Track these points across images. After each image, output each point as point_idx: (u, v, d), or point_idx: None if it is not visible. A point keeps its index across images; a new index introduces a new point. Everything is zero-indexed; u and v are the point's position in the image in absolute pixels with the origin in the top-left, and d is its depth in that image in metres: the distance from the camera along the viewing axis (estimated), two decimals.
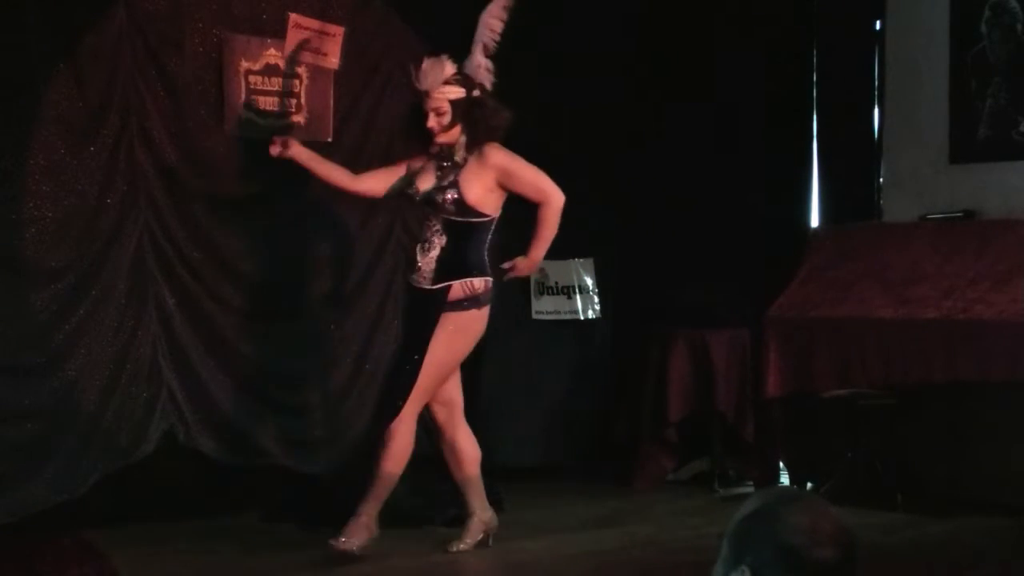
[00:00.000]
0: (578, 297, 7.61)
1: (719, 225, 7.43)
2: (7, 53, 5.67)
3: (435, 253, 5.54)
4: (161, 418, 6.10)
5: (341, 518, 6.08)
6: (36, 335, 5.79)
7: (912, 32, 7.22)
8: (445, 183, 5.55)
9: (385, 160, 6.92)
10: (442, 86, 5.51)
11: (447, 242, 5.55)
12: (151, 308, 6.12)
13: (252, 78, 6.35)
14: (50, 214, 5.82)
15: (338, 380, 6.76)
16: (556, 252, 7.51)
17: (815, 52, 7.62)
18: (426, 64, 5.54)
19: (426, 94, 5.53)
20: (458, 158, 5.57)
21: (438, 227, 5.56)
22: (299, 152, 5.74)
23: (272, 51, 6.39)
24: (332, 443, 6.65)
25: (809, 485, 6.99)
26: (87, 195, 5.93)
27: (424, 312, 5.57)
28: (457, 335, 5.60)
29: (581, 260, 7.63)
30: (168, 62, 6.13)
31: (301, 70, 6.48)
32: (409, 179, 5.71)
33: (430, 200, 5.58)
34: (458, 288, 5.54)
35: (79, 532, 5.25)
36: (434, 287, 5.53)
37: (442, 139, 5.56)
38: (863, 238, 7.13)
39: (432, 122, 5.53)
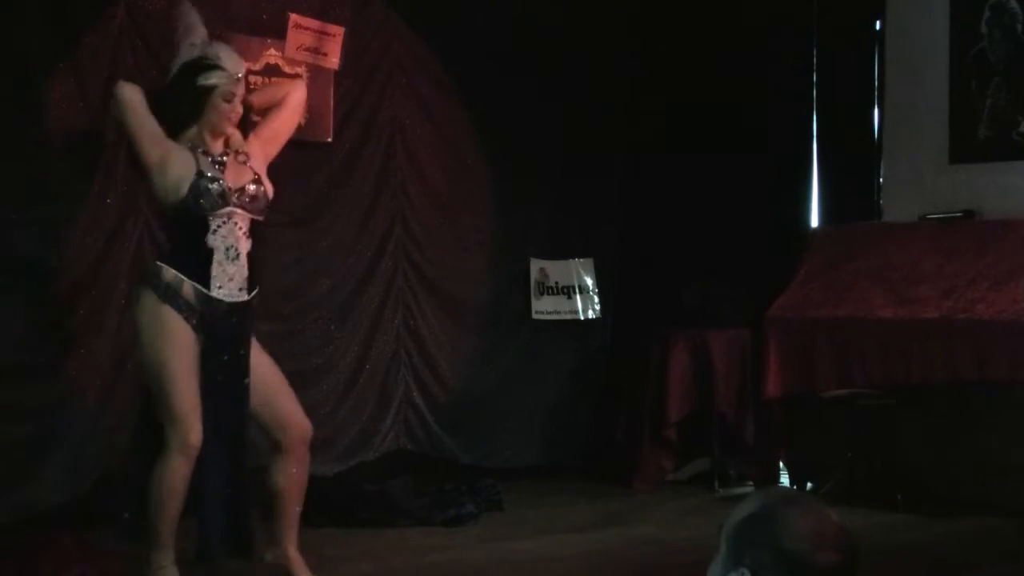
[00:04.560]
0: (578, 297, 7.61)
1: (719, 225, 7.43)
2: (7, 53, 5.67)
3: (244, 259, 4.78)
4: None
5: (341, 518, 6.10)
6: (36, 335, 5.79)
7: (912, 32, 7.21)
8: (250, 176, 4.85)
9: (385, 160, 6.95)
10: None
11: (251, 247, 4.83)
12: None
13: (252, 78, 6.34)
14: (50, 214, 5.83)
15: (338, 380, 6.76)
16: (556, 252, 7.56)
17: (815, 52, 7.62)
18: (226, 48, 4.88)
19: (235, 79, 4.79)
20: (235, 150, 4.85)
21: (244, 229, 4.79)
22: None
23: (272, 51, 6.39)
24: (332, 443, 6.66)
25: (809, 485, 6.99)
26: (87, 195, 5.93)
27: (241, 327, 4.82)
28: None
29: (581, 260, 7.64)
30: (168, 62, 6.12)
31: (301, 70, 6.48)
32: (198, 184, 4.72)
33: (242, 196, 4.79)
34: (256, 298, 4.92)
35: (79, 532, 5.26)
36: (249, 297, 4.82)
37: (231, 130, 4.83)
38: (863, 238, 7.13)
39: (239, 110, 4.82)
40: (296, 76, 6.32)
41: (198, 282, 4.72)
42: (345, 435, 6.76)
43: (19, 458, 5.70)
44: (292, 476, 4.93)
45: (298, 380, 6.56)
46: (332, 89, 6.61)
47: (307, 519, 6.16)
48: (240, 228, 4.79)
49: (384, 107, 6.92)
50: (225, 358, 4.77)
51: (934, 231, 6.89)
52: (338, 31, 6.51)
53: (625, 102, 7.65)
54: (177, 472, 4.69)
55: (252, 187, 4.82)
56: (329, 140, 6.66)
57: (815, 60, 7.63)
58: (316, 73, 6.52)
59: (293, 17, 6.35)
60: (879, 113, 7.42)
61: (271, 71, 6.41)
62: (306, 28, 6.42)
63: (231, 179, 4.78)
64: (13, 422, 5.70)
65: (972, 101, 6.96)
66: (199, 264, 4.73)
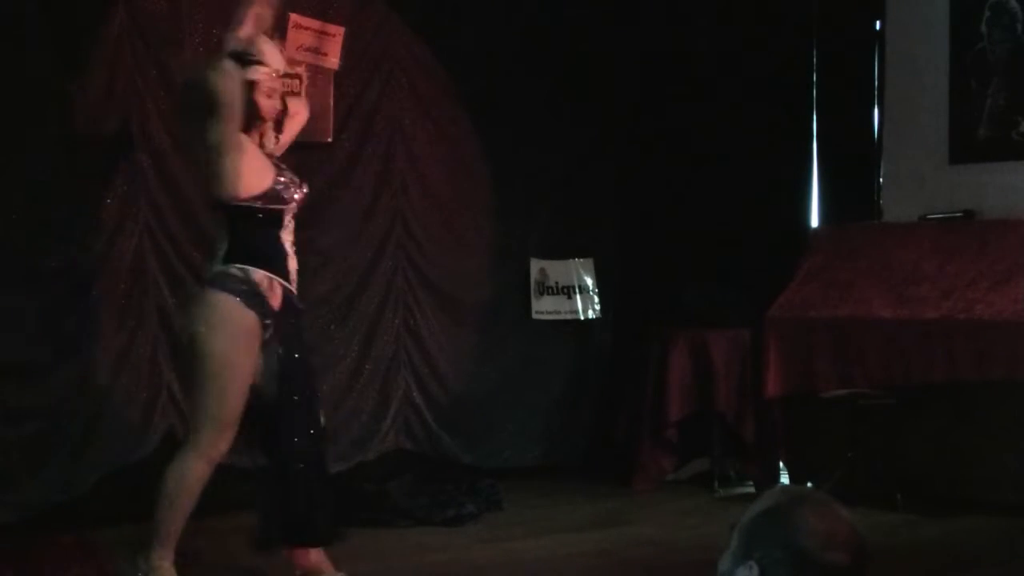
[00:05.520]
0: (578, 297, 7.61)
1: (719, 225, 7.43)
2: (7, 53, 5.67)
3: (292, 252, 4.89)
4: (161, 418, 6.11)
5: (340, 518, 6.09)
6: (36, 335, 5.79)
7: (912, 32, 7.21)
8: (290, 174, 4.87)
9: (385, 160, 6.95)
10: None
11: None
12: (151, 308, 6.13)
13: None
14: (50, 214, 5.82)
15: (338, 380, 6.76)
16: (556, 252, 7.56)
17: (815, 52, 7.62)
18: (269, 43, 4.86)
19: (276, 73, 4.84)
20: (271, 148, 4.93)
21: (292, 224, 4.87)
22: None
23: None
24: (332, 443, 6.65)
25: (809, 485, 6.98)
26: (87, 195, 5.93)
27: (298, 317, 4.94)
28: None
29: (581, 260, 7.63)
30: (168, 62, 6.13)
31: (301, 70, 6.48)
32: (278, 180, 4.83)
33: (298, 193, 4.87)
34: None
35: (79, 532, 5.26)
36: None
37: (266, 127, 4.89)
38: (863, 238, 7.13)
39: (276, 104, 4.88)
40: (296, 76, 6.30)
41: (287, 280, 4.77)
42: (345, 435, 6.75)
43: (19, 458, 5.70)
44: None
45: None
46: (332, 89, 6.60)
47: None
48: (292, 225, 4.85)
49: (384, 107, 6.91)
50: (293, 348, 4.80)
51: (934, 231, 6.89)
52: (338, 31, 6.50)
53: (625, 102, 7.64)
54: (197, 474, 4.72)
55: (293, 187, 4.83)
56: (329, 140, 6.66)
57: (815, 60, 7.63)
58: (316, 73, 6.51)
59: (293, 17, 6.34)
60: (879, 113, 7.42)
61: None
62: (306, 28, 6.42)
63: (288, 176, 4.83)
64: (13, 422, 5.70)
65: (972, 101, 6.96)
66: (280, 262, 4.77)
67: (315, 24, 6.45)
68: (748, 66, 7.46)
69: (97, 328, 5.95)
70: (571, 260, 7.61)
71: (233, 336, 4.65)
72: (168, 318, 6.15)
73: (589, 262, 7.66)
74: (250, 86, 4.71)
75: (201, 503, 6.29)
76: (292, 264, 4.82)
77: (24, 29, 5.73)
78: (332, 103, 6.61)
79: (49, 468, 5.76)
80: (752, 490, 7.00)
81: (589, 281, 7.65)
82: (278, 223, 4.76)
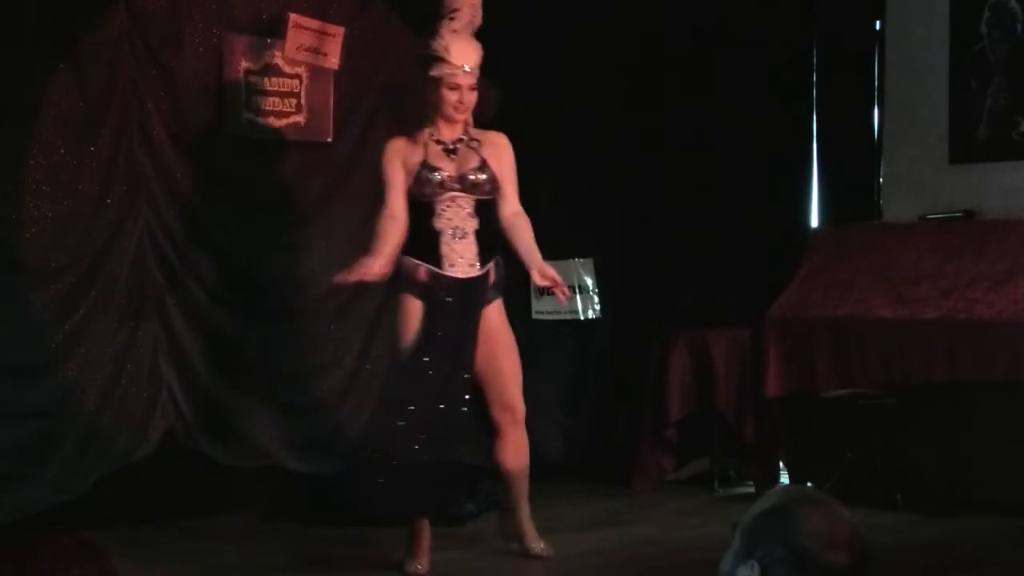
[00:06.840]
0: (578, 297, 7.60)
1: (719, 225, 7.43)
2: (7, 53, 5.67)
3: (471, 238, 5.32)
4: (161, 418, 6.11)
5: (341, 518, 6.09)
6: (36, 335, 5.79)
7: (912, 32, 7.22)
8: (475, 163, 5.34)
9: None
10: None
11: (479, 224, 5.34)
12: (151, 308, 6.12)
13: (252, 78, 6.36)
14: (50, 214, 5.82)
15: (338, 380, 6.75)
16: (556, 252, 7.55)
17: (815, 52, 7.62)
18: (466, 41, 5.37)
19: (461, 70, 5.32)
20: (468, 137, 5.39)
21: (469, 210, 5.33)
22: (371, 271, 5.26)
23: (272, 51, 6.39)
24: (332, 443, 6.65)
25: (809, 485, 6.99)
26: (87, 195, 5.93)
27: (473, 300, 5.32)
28: (506, 320, 5.46)
29: (581, 260, 7.63)
30: (168, 62, 6.13)
31: (301, 70, 6.48)
32: (421, 174, 5.31)
33: (464, 182, 5.33)
34: (494, 270, 5.39)
35: (79, 532, 5.25)
36: (481, 272, 5.34)
37: (463, 117, 5.35)
38: (863, 238, 7.14)
39: (468, 99, 5.31)
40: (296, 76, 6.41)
41: (431, 264, 5.25)
42: (345, 435, 6.75)
43: (19, 458, 5.69)
44: (511, 456, 5.55)
45: (298, 380, 6.60)
46: (332, 89, 6.60)
47: (307, 519, 6.20)
48: (465, 209, 5.30)
49: (384, 107, 6.90)
50: (454, 328, 5.26)
51: (934, 231, 6.89)
52: (338, 31, 6.51)
53: (625, 102, 7.64)
54: None
55: (475, 174, 5.29)
56: (329, 140, 6.66)
57: (815, 60, 7.63)
58: (316, 73, 6.52)
59: (293, 17, 6.35)
60: (879, 113, 7.43)
61: (271, 71, 6.41)
62: (306, 28, 6.42)
63: (456, 167, 5.29)
64: (13, 422, 5.70)
65: (972, 101, 6.97)
66: (430, 246, 5.27)
67: (315, 24, 6.45)
68: (748, 66, 7.46)
69: (97, 328, 5.95)
70: (571, 260, 7.60)
71: (398, 316, 5.37)
72: (168, 318, 6.15)
73: (589, 262, 7.65)
74: (435, 82, 5.26)
75: (201, 504, 6.34)
76: (454, 247, 5.26)
77: (24, 29, 5.73)
78: (332, 103, 6.61)
79: (49, 468, 5.76)
80: (752, 490, 7.00)
81: (589, 281, 7.65)
82: (430, 211, 5.27)
